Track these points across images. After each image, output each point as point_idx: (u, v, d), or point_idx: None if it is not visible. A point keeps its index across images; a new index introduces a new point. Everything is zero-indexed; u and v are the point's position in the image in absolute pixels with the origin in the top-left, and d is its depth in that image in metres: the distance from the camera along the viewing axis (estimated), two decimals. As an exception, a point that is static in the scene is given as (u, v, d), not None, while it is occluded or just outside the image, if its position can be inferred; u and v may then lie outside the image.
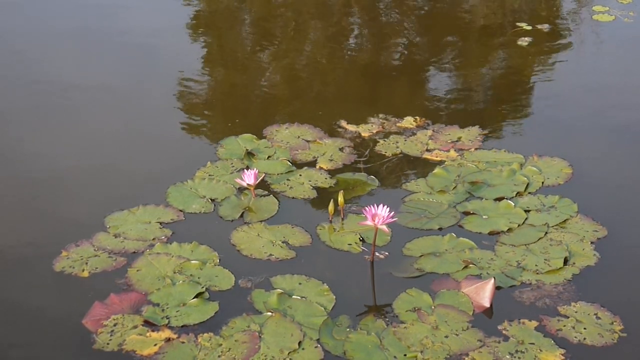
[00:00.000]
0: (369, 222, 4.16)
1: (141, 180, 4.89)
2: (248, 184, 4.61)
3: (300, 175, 4.91)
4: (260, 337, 3.78)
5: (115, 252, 4.28)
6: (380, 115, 5.49)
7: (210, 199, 4.68)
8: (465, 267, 4.19)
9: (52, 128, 5.39)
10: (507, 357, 3.70)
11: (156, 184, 4.78)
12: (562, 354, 3.71)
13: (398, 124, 5.41)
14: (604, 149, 5.27)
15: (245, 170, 4.76)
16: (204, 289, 4.03)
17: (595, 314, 3.91)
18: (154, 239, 4.38)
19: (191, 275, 4.13)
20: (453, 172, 4.92)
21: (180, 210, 4.59)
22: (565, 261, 4.22)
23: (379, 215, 4.13)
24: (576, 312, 3.92)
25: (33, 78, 6.00)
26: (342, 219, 4.54)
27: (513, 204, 4.61)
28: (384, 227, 4.17)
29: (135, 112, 5.61)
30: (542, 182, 4.84)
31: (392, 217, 4.15)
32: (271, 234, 4.42)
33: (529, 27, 6.89)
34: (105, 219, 4.50)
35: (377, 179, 4.89)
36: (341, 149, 5.13)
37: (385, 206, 4.15)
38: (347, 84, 6.18)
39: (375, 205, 4.16)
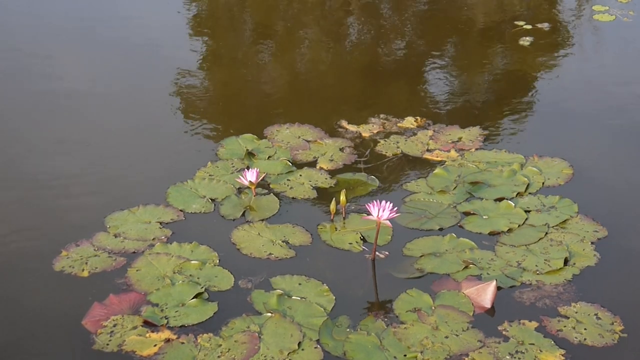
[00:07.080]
0: (372, 216, 4.15)
1: (141, 180, 4.88)
2: (250, 182, 4.61)
3: (300, 175, 4.90)
4: (259, 337, 3.77)
5: (115, 252, 4.28)
6: (381, 116, 5.48)
7: (211, 199, 4.68)
8: (466, 267, 4.18)
9: (51, 128, 5.38)
10: (507, 357, 3.69)
11: (156, 184, 4.77)
12: (562, 355, 3.70)
13: (399, 124, 5.40)
14: (605, 150, 5.26)
15: (245, 169, 4.76)
16: (203, 289, 4.03)
17: (596, 315, 3.91)
18: (154, 238, 4.38)
19: (191, 275, 4.12)
20: (453, 172, 4.92)
21: (181, 210, 4.59)
22: (566, 261, 4.22)
23: (382, 206, 4.12)
24: (576, 312, 3.92)
25: (32, 78, 6.00)
26: (344, 218, 4.53)
27: (513, 204, 4.61)
28: (387, 222, 4.16)
29: (135, 112, 5.61)
30: (543, 183, 4.83)
31: (395, 212, 4.15)
32: (271, 233, 4.42)
33: (529, 27, 6.89)
34: (105, 218, 4.50)
35: (377, 179, 4.88)
36: (341, 149, 5.13)
37: (388, 202, 4.15)
38: (347, 84, 6.17)
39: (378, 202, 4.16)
